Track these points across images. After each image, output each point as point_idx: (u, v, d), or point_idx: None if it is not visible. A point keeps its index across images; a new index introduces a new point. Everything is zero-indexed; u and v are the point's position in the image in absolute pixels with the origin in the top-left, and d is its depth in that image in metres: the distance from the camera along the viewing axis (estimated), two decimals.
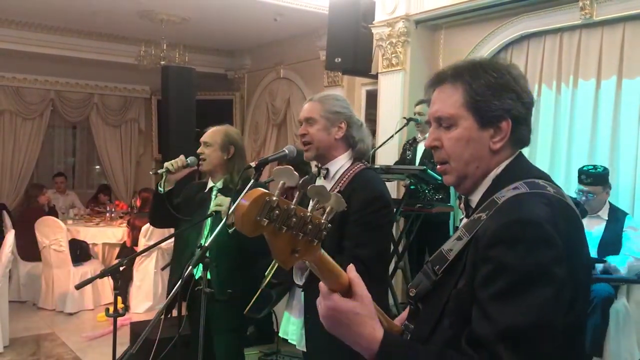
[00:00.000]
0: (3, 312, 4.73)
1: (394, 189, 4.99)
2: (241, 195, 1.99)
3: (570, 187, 4.12)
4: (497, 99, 1.21)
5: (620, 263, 3.57)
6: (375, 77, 5.38)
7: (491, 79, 1.21)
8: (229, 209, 2.23)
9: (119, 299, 5.55)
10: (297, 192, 0.98)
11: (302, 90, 7.14)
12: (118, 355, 2.37)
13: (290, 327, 2.28)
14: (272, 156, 2.28)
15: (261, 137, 7.91)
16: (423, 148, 4.55)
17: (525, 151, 4.04)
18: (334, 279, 1.08)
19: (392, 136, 4.57)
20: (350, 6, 5.20)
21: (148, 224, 5.56)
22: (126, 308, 5.79)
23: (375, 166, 4.09)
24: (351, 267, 1.12)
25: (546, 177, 1.22)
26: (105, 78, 8.19)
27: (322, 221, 0.99)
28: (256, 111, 8.08)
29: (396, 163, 4.76)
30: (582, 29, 4.19)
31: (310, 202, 1.00)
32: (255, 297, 2.29)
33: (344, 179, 2.11)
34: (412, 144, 4.75)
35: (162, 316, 2.01)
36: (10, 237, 4.82)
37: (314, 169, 2.34)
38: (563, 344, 1.07)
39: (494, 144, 1.22)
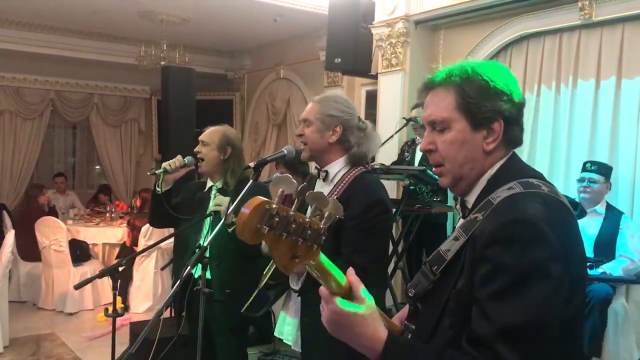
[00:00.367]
0: (3, 312, 4.73)
1: (394, 189, 5.00)
2: (239, 197, 2.00)
3: (569, 187, 4.14)
4: (489, 100, 1.23)
5: (615, 270, 3.58)
6: (375, 77, 5.38)
7: (482, 81, 1.23)
8: (228, 208, 2.23)
9: (119, 299, 5.58)
10: (296, 199, 1.00)
11: (302, 90, 7.15)
12: (117, 355, 2.38)
13: (286, 327, 2.28)
14: (270, 156, 2.28)
15: (261, 138, 7.91)
16: None
17: (525, 151, 4.09)
18: (334, 283, 1.09)
19: (391, 136, 4.57)
20: (350, 7, 5.20)
21: (148, 224, 5.56)
22: (126, 308, 5.80)
23: (375, 166, 4.11)
24: (350, 271, 1.14)
25: (540, 176, 1.24)
26: (105, 78, 8.20)
27: (321, 226, 1.01)
28: (256, 111, 8.09)
29: (394, 163, 4.76)
30: (581, 30, 4.20)
31: (309, 208, 1.02)
32: (253, 296, 2.29)
33: (343, 183, 2.09)
34: (410, 145, 4.76)
35: (162, 316, 2.00)
36: (10, 237, 4.83)
37: (314, 171, 2.34)
38: (561, 339, 1.08)
39: (487, 145, 1.24)
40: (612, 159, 4.02)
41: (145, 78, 7.97)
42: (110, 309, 2.62)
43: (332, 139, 2.12)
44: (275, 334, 2.37)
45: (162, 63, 6.54)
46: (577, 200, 3.77)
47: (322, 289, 1.11)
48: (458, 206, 1.34)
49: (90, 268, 5.90)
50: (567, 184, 4.22)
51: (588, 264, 3.42)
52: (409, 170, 4.11)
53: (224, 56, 8.35)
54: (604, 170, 3.83)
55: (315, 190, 2.16)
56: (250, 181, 2.18)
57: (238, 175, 2.75)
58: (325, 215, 1.03)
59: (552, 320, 1.06)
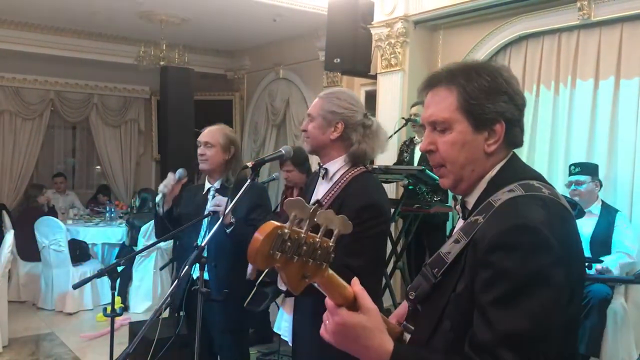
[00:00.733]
0: (2, 312, 4.73)
1: (393, 189, 5.00)
2: (236, 197, 1.99)
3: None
4: (491, 102, 1.21)
5: (612, 264, 3.59)
6: (374, 77, 5.38)
7: (484, 82, 1.22)
8: (226, 208, 2.23)
9: (118, 298, 5.57)
10: (307, 221, 0.99)
11: (301, 90, 7.15)
12: (116, 355, 2.38)
13: (283, 323, 2.30)
14: (268, 156, 2.28)
15: (260, 138, 7.91)
16: None
17: (524, 151, 4.09)
18: (339, 294, 1.09)
19: (390, 136, 4.56)
20: (349, 7, 5.21)
21: (147, 224, 5.57)
22: (125, 308, 5.81)
23: (374, 166, 4.11)
24: (355, 281, 1.13)
25: (540, 178, 1.23)
26: (105, 78, 8.20)
27: (330, 244, 1.01)
28: (256, 111, 8.09)
29: (394, 164, 4.76)
30: (580, 30, 4.20)
31: (320, 226, 1.02)
32: (253, 292, 2.30)
33: (341, 182, 2.05)
34: (409, 145, 4.76)
35: (160, 316, 2.01)
36: (9, 237, 4.83)
37: (316, 167, 2.32)
38: (562, 344, 1.09)
39: (488, 147, 1.23)
40: (610, 158, 4.02)
41: (145, 78, 7.97)
42: (109, 309, 2.63)
43: (334, 135, 2.08)
44: (274, 329, 2.39)
45: (162, 63, 6.54)
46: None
47: (328, 300, 1.11)
48: (458, 207, 1.34)
49: (89, 268, 5.89)
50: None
51: (585, 263, 3.41)
52: (408, 170, 4.11)
53: (223, 56, 8.35)
54: (589, 169, 3.84)
55: (316, 187, 2.17)
56: (248, 181, 2.18)
57: (237, 174, 2.75)
58: (335, 233, 1.04)
59: (554, 325, 1.06)
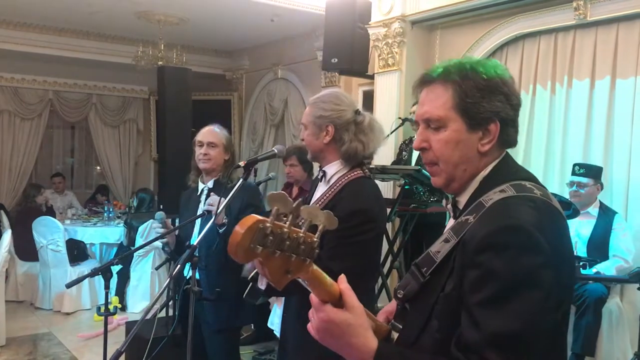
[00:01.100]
0: (0, 311, 4.74)
1: (390, 189, 5.00)
2: (228, 196, 1.99)
3: (564, 187, 4.13)
4: (486, 101, 1.20)
5: (608, 270, 3.59)
6: (372, 77, 5.38)
7: (480, 80, 1.20)
8: (218, 208, 2.23)
9: (116, 298, 5.57)
10: (291, 216, 0.98)
11: (299, 90, 7.16)
12: (111, 354, 2.39)
13: (276, 319, 2.30)
14: (261, 156, 2.29)
15: (259, 138, 7.92)
16: None
17: (521, 151, 4.09)
18: (325, 291, 1.08)
19: (387, 136, 4.54)
20: (346, 7, 5.21)
21: (145, 224, 5.58)
22: (123, 308, 5.82)
23: (371, 166, 4.11)
24: (342, 278, 1.12)
25: (533, 179, 1.22)
26: (103, 78, 8.21)
27: (315, 239, 1.00)
28: (254, 111, 8.09)
29: (393, 163, 4.77)
30: (576, 29, 4.21)
31: (304, 222, 1.02)
32: (249, 287, 2.30)
33: (337, 186, 2.04)
34: (408, 144, 4.76)
35: (149, 315, 2.01)
36: (6, 236, 4.84)
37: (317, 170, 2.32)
38: (549, 346, 1.08)
39: (482, 146, 1.21)
40: (606, 158, 4.02)
41: (143, 78, 7.98)
42: (104, 308, 2.64)
43: (326, 139, 2.05)
44: (268, 324, 2.39)
45: (160, 63, 6.55)
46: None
47: (312, 297, 1.10)
48: (449, 206, 1.32)
49: (87, 268, 5.89)
50: (562, 183, 4.22)
51: (581, 263, 3.42)
52: (405, 169, 4.11)
53: (222, 56, 8.35)
54: (593, 172, 3.82)
55: (316, 190, 2.17)
56: (240, 180, 2.18)
57: (230, 173, 2.76)
58: (319, 228, 1.03)
59: (542, 327, 1.05)
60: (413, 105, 4.71)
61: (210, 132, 2.94)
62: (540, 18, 4.33)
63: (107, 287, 2.41)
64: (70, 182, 8.69)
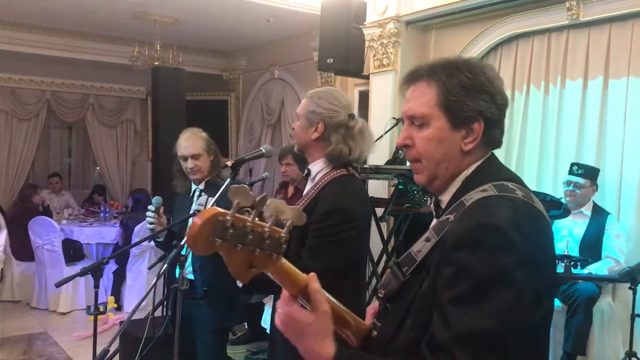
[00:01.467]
0: None
1: (384, 188, 5.01)
2: (216, 195, 2.00)
3: (557, 186, 4.15)
4: (470, 99, 1.20)
5: (600, 270, 3.60)
6: (368, 77, 5.39)
7: (465, 79, 1.20)
8: (205, 207, 2.24)
9: (112, 298, 5.56)
10: (254, 210, 0.97)
11: (296, 91, 7.17)
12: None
13: (268, 317, 2.30)
14: (248, 155, 2.29)
15: (256, 138, 7.92)
16: None
17: (515, 151, 4.09)
18: (294, 286, 1.08)
19: (381, 136, 4.58)
20: (341, 7, 5.21)
21: (140, 224, 5.59)
22: (119, 307, 5.83)
23: (365, 166, 4.12)
24: (313, 278, 1.10)
25: (517, 180, 1.22)
26: (100, 79, 8.21)
27: (282, 235, 0.99)
28: (251, 112, 8.10)
29: (388, 162, 4.78)
30: (569, 30, 4.21)
31: (270, 216, 1.00)
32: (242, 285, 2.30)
33: (319, 184, 2.03)
34: None
35: (143, 315, 2.02)
36: (1, 236, 4.85)
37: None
38: (523, 347, 1.07)
39: (465, 145, 1.21)
40: (599, 158, 4.03)
41: (141, 78, 7.98)
42: (107, 307, 2.66)
43: (314, 135, 2.04)
44: (262, 322, 2.38)
45: (156, 63, 6.56)
46: (562, 199, 3.78)
47: (284, 291, 1.10)
48: (432, 205, 1.33)
49: None
50: (555, 183, 4.24)
51: (572, 262, 3.43)
52: (398, 169, 4.12)
53: (219, 56, 8.36)
54: (591, 173, 3.82)
55: (306, 187, 2.17)
56: (228, 180, 2.19)
57: (219, 173, 2.77)
58: (287, 224, 1.01)
59: (514, 327, 1.04)
60: None
61: (190, 144, 2.88)
62: (534, 18, 4.33)
63: (96, 286, 2.42)
64: (68, 183, 8.70)
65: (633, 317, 3.35)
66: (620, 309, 3.76)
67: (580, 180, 3.82)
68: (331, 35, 5.25)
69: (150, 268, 4.64)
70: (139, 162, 8.97)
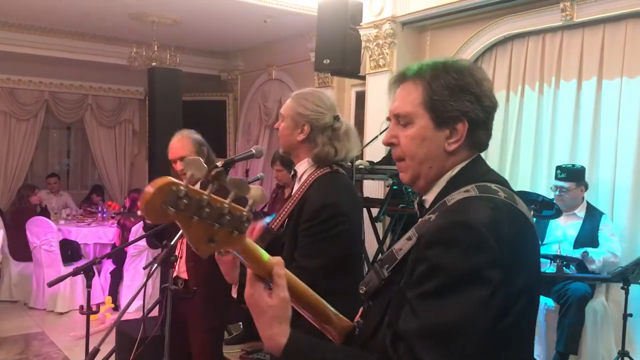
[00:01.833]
0: None
1: (380, 189, 5.02)
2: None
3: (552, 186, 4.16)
4: (454, 99, 1.20)
5: (597, 255, 3.61)
6: (364, 78, 5.40)
7: (451, 79, 1.21)
8: None
9: (109, 298, 5.57)
10: (211, 183, 0.97)
11: (293, 91, 7.14)
12: (103, 354, 2.40)
13: None
14: (238, 156, 2.30)
15: (254, 138, 7.94)
16: None
17: (509, 151, 4.11)
18: (259, 267, 1.09)
19: (376, 137, 4.59)
20: (338, 8, 5.23)
21: (137, 225, 5.60)
22: (116, 307, 5.84)
23: (360, 166, 4.13)
24: (279, 264, 1.10)
25: (502, 182, 1.22)
26: (99, 79, 8.23)
27: (244, 213, 0.97)
28: (249, 112, 8.13)
29: (383, 162, 4.78)
30: (563, 30, 4.23)
31: (230, 193, 0.98)
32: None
33: (306, 184, 2.03)
34: None
35: (124, 314, 2.04)
36: None
37: None
38: (495, 348, 1.07)
39: (449, 145, 1.22)
40: (592, 158, 4.05)
41: (139, 79, 7.99)
42: (103, 308, 2.66)
43: (300, 137, 2.04)
44: None
45: (154, 64, 6.57)
46: (554, 200, 3.80)
47: (248, 270, 1.10)
48: (416, 205, 1.34)
49: None
50: (549, 182, 4.23)
51: (564, 263, 3.44)
52: (392, 169, 4.13)
53: (217, 57, 8.38)
54: (574, 175, 3.82)
55: (294, 188, 2.18)
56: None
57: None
58: (249, 202, 1.00)
59: (480, 325, 1.04)
60: None
61: (179, 148, 2.90)
62: (529, 19, 4.35)
63: (88, 285, 2.44)
64: (66, 183, 8.71)
65: (625, 316, 3.36)
66: (613, 309, 3.78)
67: (565, 184, 3.82)
68: (328, 36, 5.27)
69: (145, 268, 4.66)
70: (137, 162, 8.99)
